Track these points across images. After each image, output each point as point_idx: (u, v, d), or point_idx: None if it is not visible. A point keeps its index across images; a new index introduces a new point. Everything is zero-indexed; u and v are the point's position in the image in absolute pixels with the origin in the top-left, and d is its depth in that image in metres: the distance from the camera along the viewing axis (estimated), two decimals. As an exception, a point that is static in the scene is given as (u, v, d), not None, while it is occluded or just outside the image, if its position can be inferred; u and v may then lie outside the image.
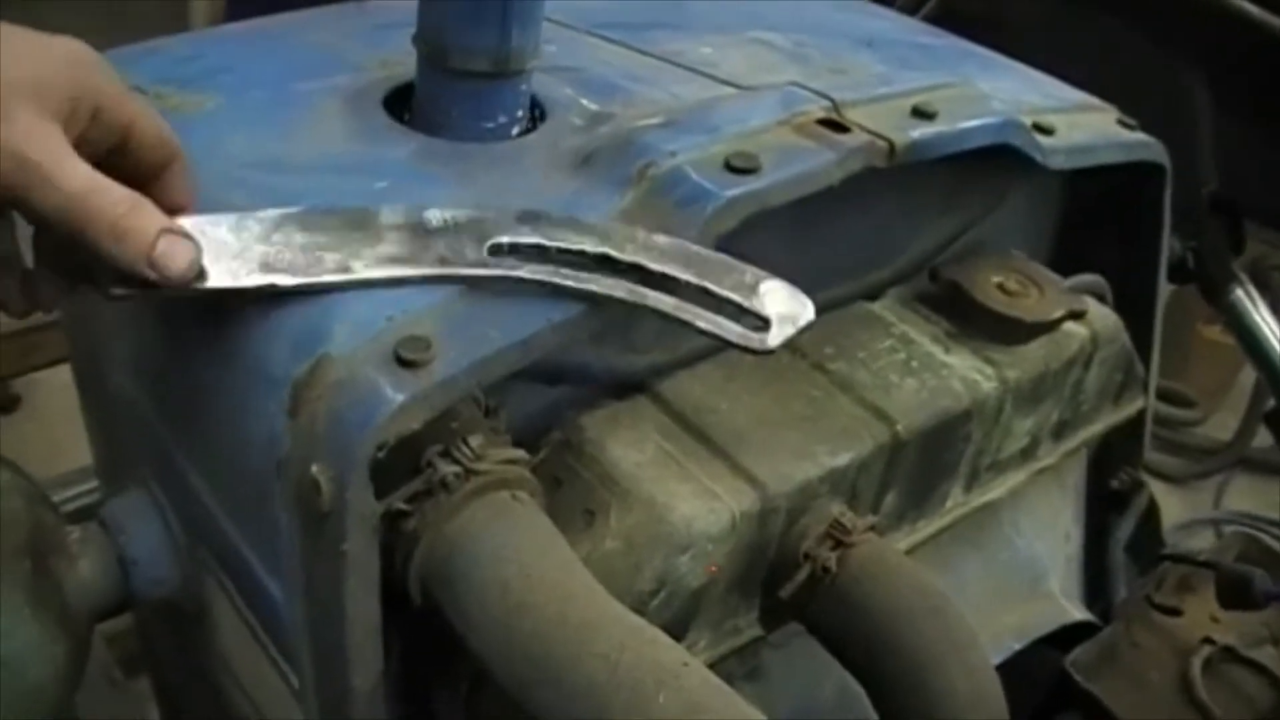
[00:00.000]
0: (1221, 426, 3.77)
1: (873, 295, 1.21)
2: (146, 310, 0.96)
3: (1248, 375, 3.56)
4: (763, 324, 0.85)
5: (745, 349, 0.85)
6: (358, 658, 0.85)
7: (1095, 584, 1.49)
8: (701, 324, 0.85)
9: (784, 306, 0.85)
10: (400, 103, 1.07)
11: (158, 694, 1.55)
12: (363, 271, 0.85)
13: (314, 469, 0.79)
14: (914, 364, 1.12)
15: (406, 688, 0.93)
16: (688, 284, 0.86)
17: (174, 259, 0.80)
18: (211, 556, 1.01)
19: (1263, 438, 3.47)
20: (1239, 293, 1.81)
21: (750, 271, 0.87)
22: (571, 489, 0.95)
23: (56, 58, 0.78)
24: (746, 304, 0.85)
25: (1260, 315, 1.81)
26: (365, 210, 0.88)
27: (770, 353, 0.85)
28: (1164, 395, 3.71)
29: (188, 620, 1.11)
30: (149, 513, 1.07)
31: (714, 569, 0.95)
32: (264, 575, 0.92)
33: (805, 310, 0.86)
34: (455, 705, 0.93)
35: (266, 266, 0.85)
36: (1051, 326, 1.18)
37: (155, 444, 1.04)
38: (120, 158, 0.84)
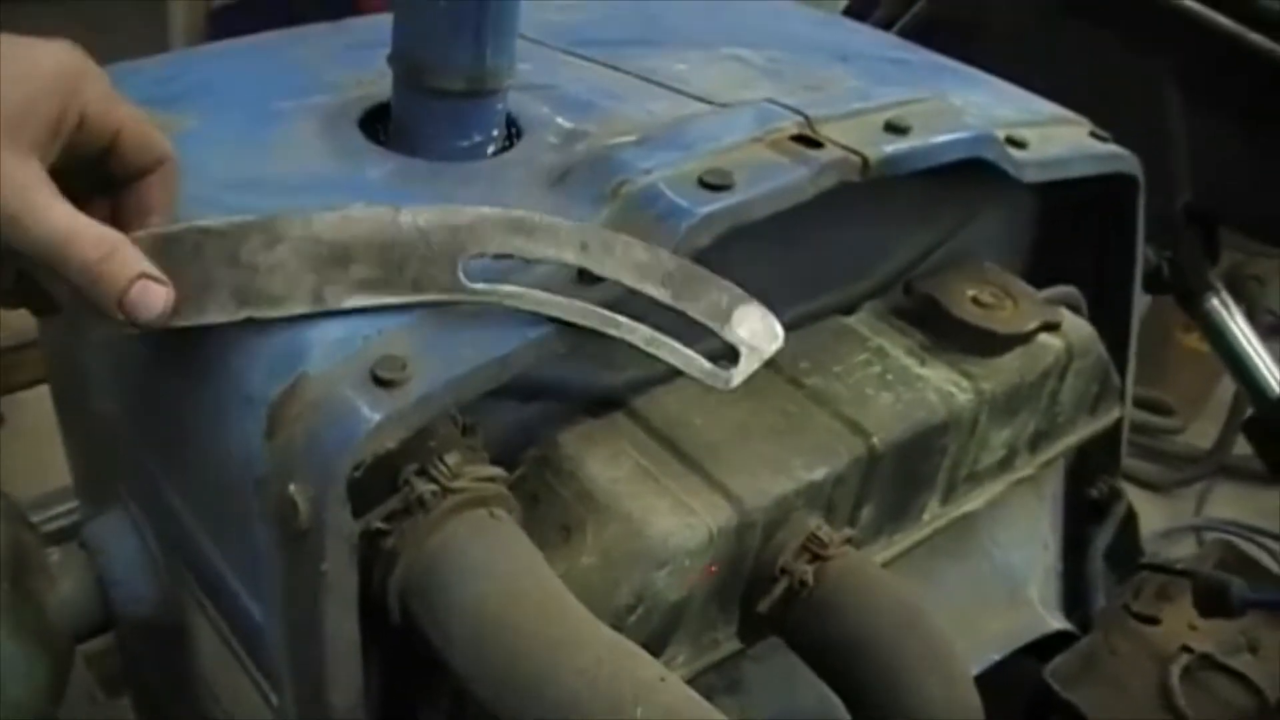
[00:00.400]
0: (1202, 434, 3.79)
1: (849, 309, 1.22)
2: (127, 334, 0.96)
3: (1228, 383, 3.57)
4: (730, 355, 0.86)
5: (708, 386, 0.86)
6: (337, 676, 0.85)
7: (1074, 593, 1.49)
8: (669, 359, 0.86)
9: (754, 335, 0.86)
10: (376, 122, 1.08)
11: (138, 713, 1.55)
12: (336, 302, 0.86)
13: (292, 488, 0.80)
14: (889, 377, 1.12)
15: (387, 706, 0.93)
16: (663, 305, 0.86)
17: (145, 305, 0.81)
18: (191, 576, 1.01)
19: (1243, 445, 3.47)
20: (1214, 301, 1.82)
21: (727, 293, 0.87)
22: (549, 506, 0.96)
23: (42, 75, 0.78)
24: (719, 331, 0.86)
25: (1236, 323, 1.83)
26: (332, 216, 0.87)
27: (732, 391, 0.86)
28: (1145, 403, 3.73)
29: (168, 639, 1.11)
30: (128, 533, 1.07)
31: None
32: (243, 594, 0.92)
33: (774, 340, 0.87)
34: (436, 722, 0.94)
35: (238, 295, 0.85)
36: (1026, 338, 1.19)
37: (134, 464, 1.05)
38: (107, 161, 0.85)
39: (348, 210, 0.87)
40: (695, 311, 0.86)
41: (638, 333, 0.86)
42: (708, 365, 0.86)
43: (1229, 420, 3.60)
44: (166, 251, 0.84)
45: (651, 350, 0.86)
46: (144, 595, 1.06)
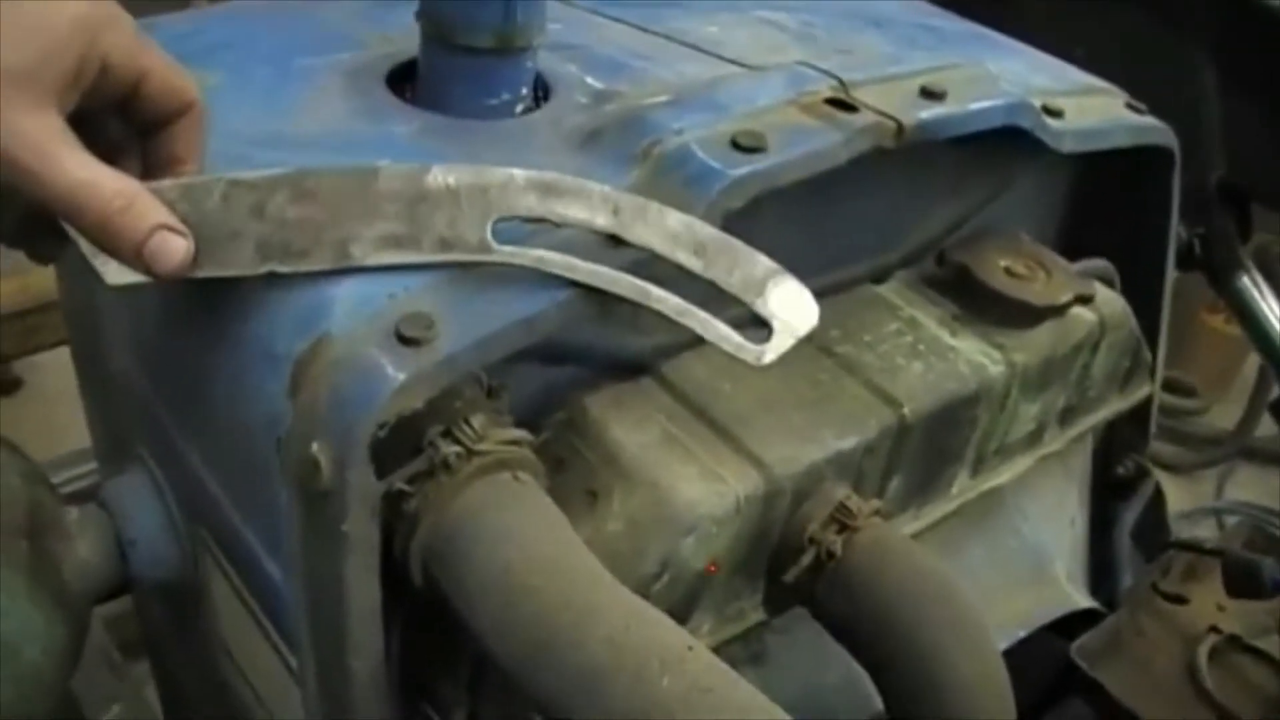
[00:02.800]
0: (1224, 416, 3.77)
1: (880, 278, 1.20)
2: (146, 291, 0.95)
3: (1251, 364, 3.56)
4: (764, 329, 0.84)
5: (742, 360, 0.84)
6: (357, 639, 0.84)
7: (1101, 571, 1.48)
8: (701, 330, 0.84)
9: (789, 310, 0.84)
10: (403, 80, 1.06)
11: (157, 677, 1.54)
12: (361, 258, 0.84)
13: (314, 447, 0.78)
14: (920, 347, 1.11)
15: (408, 671, 0.92)
16: (694, 275, 0.84)
17: (166, 256, 0.81)
18: (211, 537, 1.00)
19: (1265, 427, 3.47)
20: (1245, 280, 1.80)
21: (761, 266, 0.85)
22: (574, 470, 0.94)
23: (61, 24, 0.77)
24: (752, 304, 0.84)
25: (1267, 303, 1.80)
26: (362, 172, 0.86)
27: (765, 368, 0.84)
28: (1166, 384, 3.69)
29: (187, 602, 1.10)
30: (148, 494, 1.06)
31: (713, 569, 0.95)
32: (263, 556, 0.91)
33: (809, 317, 0.85)
34: (457, 689, 0.92)
35: (262, 249, 0.84)
36: (1059, 311, 1.17)
37: (154, 425, 1.04)
38: (132, 107, 0.84)
39: (377, 166, 0.86)
40: (728, 283, 0.84)
41: (668, 302, 0.84)
42: (739, 339, 0.84)
43: (1252, 402, 3.57)
44: (191, 200, 0.83)
45: (682, 320, 0.84)
46: (163, 556, 1.05)
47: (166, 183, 0.83)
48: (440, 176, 0.85)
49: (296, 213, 0.84)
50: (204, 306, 0.90)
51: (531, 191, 0.85)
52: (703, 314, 0.84)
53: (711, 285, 0.84)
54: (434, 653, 0.91)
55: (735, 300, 0.84)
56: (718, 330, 0.84)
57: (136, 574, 1.04)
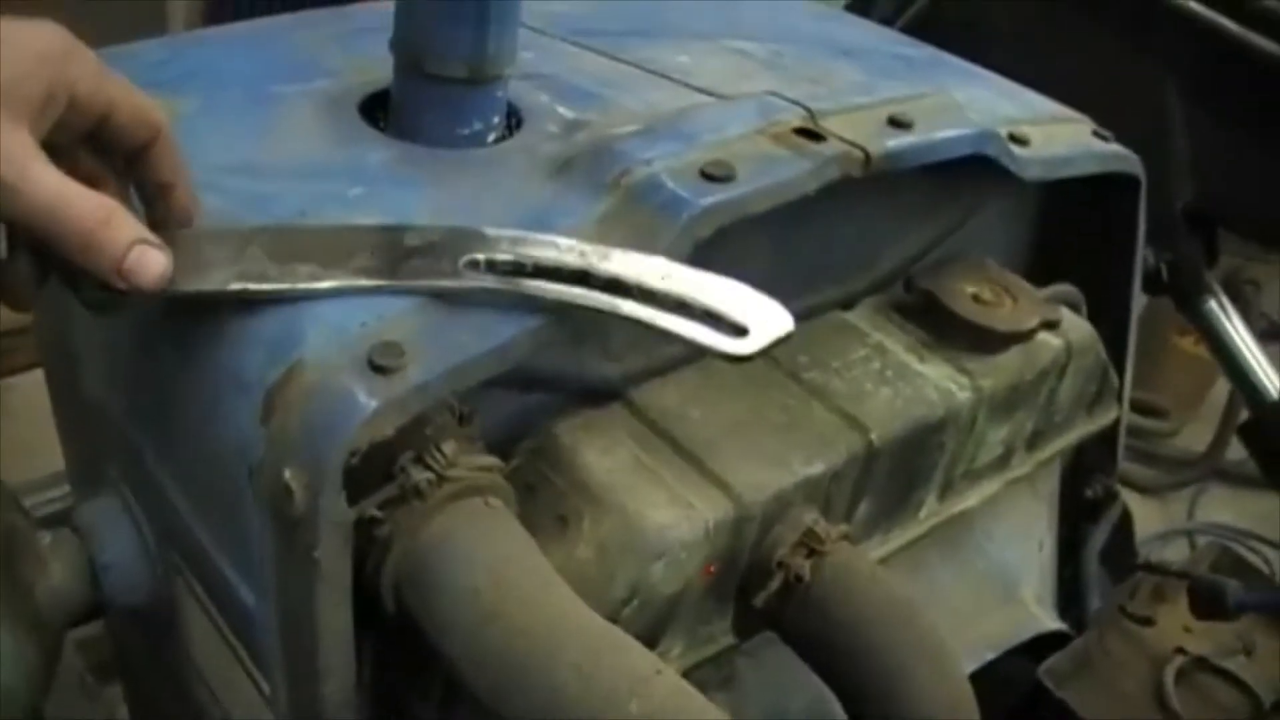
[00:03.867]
0: (1195, 438, 3.78)
1: (849, 304, 1.21)
2: (120, 316, 0.95)
3: (1221, 386, 3.58)
4: (741, 332, 0.84)
5: (723, 355, 0.84)
6: (329, 665, 0.84)
7: (1069, 594, 1.49)
8: (678, 330, 0.84)
9: (763, 315, 0.85)
10: (376, 108, 1.07)
11: (129, 700, 1.54)
12: (336, 281, 0.85)
13: (286, 474, 0.79)
14: (889, 373, 1.12)
15: (380, 697, 0.92)
16: (665, 296, 0.85)
17: (145, 270, 0.81)
18: (184, 562, 1.00)
19: (1236, 449, 3.48)
20: (1212, 304, 1.82)
21: (729, 285, 0.86)
22: (545, 496, 0.95)
23: (29, 54, 0.77)
24: (726, 315, 0.85)
25: (1233, 326, 1.82)
26: (341, 228, 0.88)
27: (748, 359, 0.84)
28: (1138, 406, 3.72)
29: (160, 626, 1.10)
30: (121, 518, 1.06)
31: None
32: (236, 581, 0.91)
33: (784, 321, 0.86)
34: (429, 714, 0.93)
35: (241, 276, 0.85)
36: (1026, 336, 1.18)
37: (128, 449, 1.04)
38: (101, 137, 0.84)
39: (355, 225, 0.88)
40: (698, 300, 0.85)
41: (641, 312, 0.85)
42: (719, 336, 0.84)
43: (1223, 424, 3.59)
44: (175, 244, 0.84)
45: (659, 325, 0.84)
46: (136, 581, 1.05)
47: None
48: (416, 236, 0.87)
49: (274, 249, 0.86)
50: (177, 333, 0.91)
51: (502, 240, 0.86)
52: (677, 318, 0.85)
53: (681, 304, 0.85)
54: (406, 678, 0.92)
55: (705, 316, 0.85)
56: (696, 329, 0.84)
57: (109, 598, 1.04)
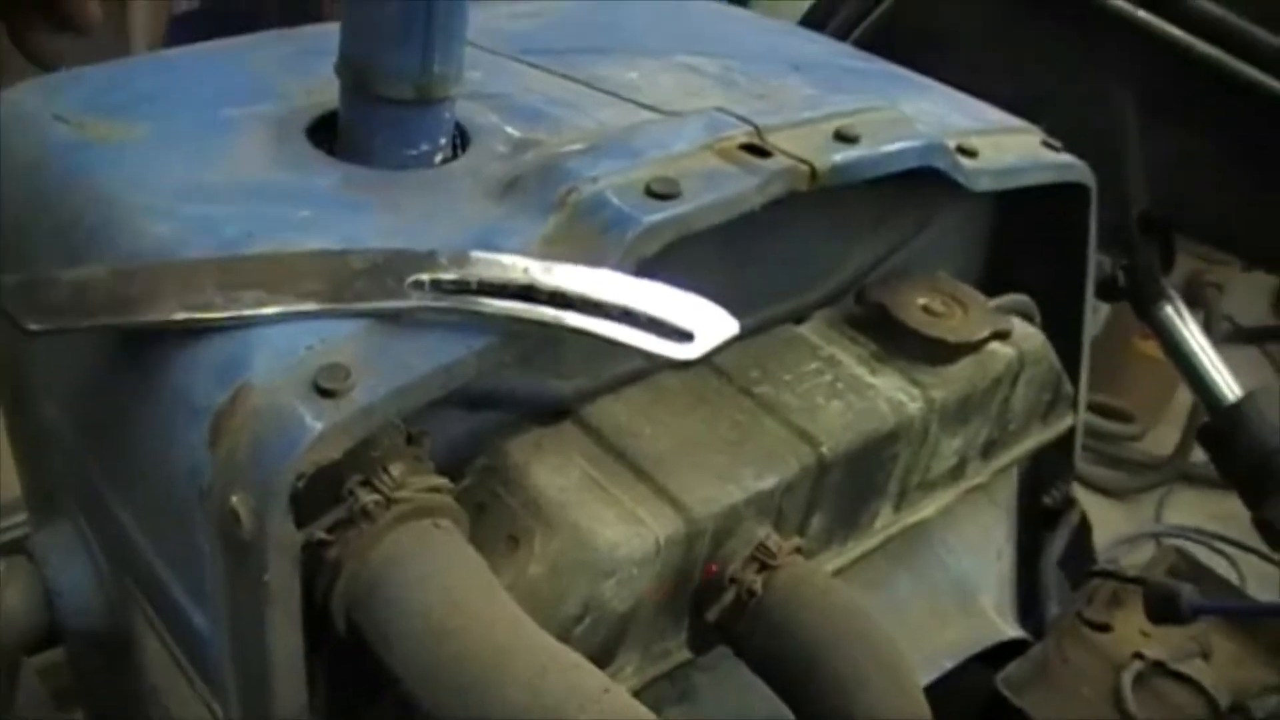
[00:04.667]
0: (1161, 441, 3.81)
1: (801, 317, 1.22)
2: (72, 341, 0.96)
3: (1186, 390, 3.60)
4: (686, 337, 0.85)
5: (668, 360, 0.85)
6: (282, 688, 0.85)
7: (1028, 601, 1.50)
8: (624, 339, 0.85)
9: (708, 320, 0.86)
10: (325, 131, 1.07)
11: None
12: (282, 306, 0.85)
13: (234, 499, 0.79)
14: (840, 386, 1.12)
15: (333, 718, 0.93)
16: (610, 306, 0.86)
17: None
18: (137, 588, 1.00)
19: (1202, 451, 3.51)
20: (1169, 309, 1.83)
21: (672, 292, 0.87)
22: (495, 515, 0.95)
23: None
24: (669, 321, 0.85)
25: (1190, 331, 1.83)
26: (286, 254, 0.89)
27: (693, 363, 0.85)
28: (1104, 410, 3.74)
29: (116, 651, 1.10)
30: (75, 544, 1.06)
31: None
32: (188, 606, 0.91)
33: (728, 325, 0.86)
34: (383, 735, 0.93)
35: (186, 307, 0.85)
36: (976, 347, 1.19)
37: (80, 475, 1.04)
38: None
39: (299, 251, 0.88)
40: (643, 309, 0.85)
41: (585, 322, 0.85)
42: (665, 341, 0.85)
43: (1188, 427, 3.63)
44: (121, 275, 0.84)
45: (605, 334, 0.85)
46: (90, 607, 1.05)
47: (99, 270, 0.84)
48: (360, 259, 0.87)
49: (220, 279, 0.86)
50: (127, 358, 0.91)
51: (447, 260, 0.87)
52: (622, 326, 0.85)
53: (626, 314, 0.85)
54: (358, 699, 0.92)
55: (651, 324, 0.85)
56: (643, 338, 0.85)
57: (64, 624, 1.04)
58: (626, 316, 0.86)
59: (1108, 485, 3.58)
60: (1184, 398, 3.68)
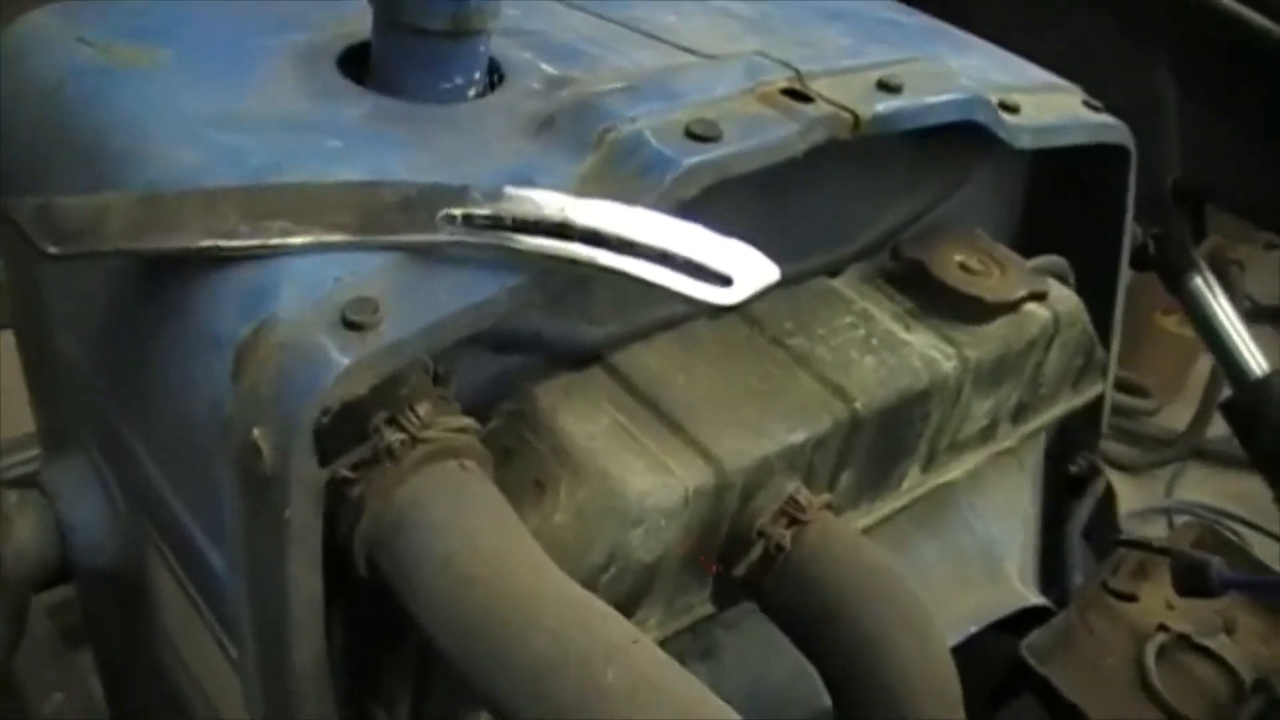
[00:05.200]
0: (1176, 417, 3.79)
1: (835, 272, 1.19)
2: (91, 271, 0.93)
3: (1203, 366, 3.58)
4: (725, 282, 0.82)
5: (706, 305, 0.83)
6: (299, 630, 0.82)
7: (1051, 570, 1.48)
8: (660, 281, 0.82)
9: (747, 264, 0.83)
10: (355, 62, 1.05)
11: (99, 666, 1.52)
12: (309, 236, 0.83)
13: (256, 433, 0.77)
14: (874, 341, 1.10)
15: (351, 667, 0.91)
16: (647, 248, 0.83)
17: None
18: (152, 526, 0.98)
19: (1216, 428, 3.49)
20: (1198, 281, 1.80)
21: (711, 235, 0.84)
22: (522, 460, 0.93)
23: None
24: (708, 265, 0.83)
25: (1219, 304, 1.80)
26: (315, 184, 0.86)
27: (731, 309, 0.82)
28: (1119, 384, 3.71)
29: (128, 591, 1.08)
30: (89, 479, 1.04)
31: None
32: (204, 544, 0.89)
33: (769, 270, 0.84)
34: (401, 683, 0.91)
35: (210, 233, 0.83)
36: (1013, 307, 1.17)
37: (97, 409, 1.02)
38: None
39: (330, 181, 0.86)
40: (680, 251, 0.83)
41: (621, 262, 0.83)
42: (705, 285, 0.82)
43: (1203, 403, 3.60)
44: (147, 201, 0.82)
45: (640, 275, 0.82)
46: (103, 543, 1.03)
47: (121, 195, 0.82)
48: (392, 191, 0.85)
49: (246, 208, 0.83)
50: (149, 288, 0.89)
51: (480, 195, 0.84)
52: (658, 268, 0.83)
53: (663, 256, 0.83)
54: (378, 645, 0.90)
55: (688, 266, 0.83)
56: (677, 279, 0.82)
57: (76, 561, 1.03)
58: (663, 259, 0.84)
59: (1121, 459, 3.55)
60: (1200, 374, 3.66)
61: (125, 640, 1.24)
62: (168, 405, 0.90)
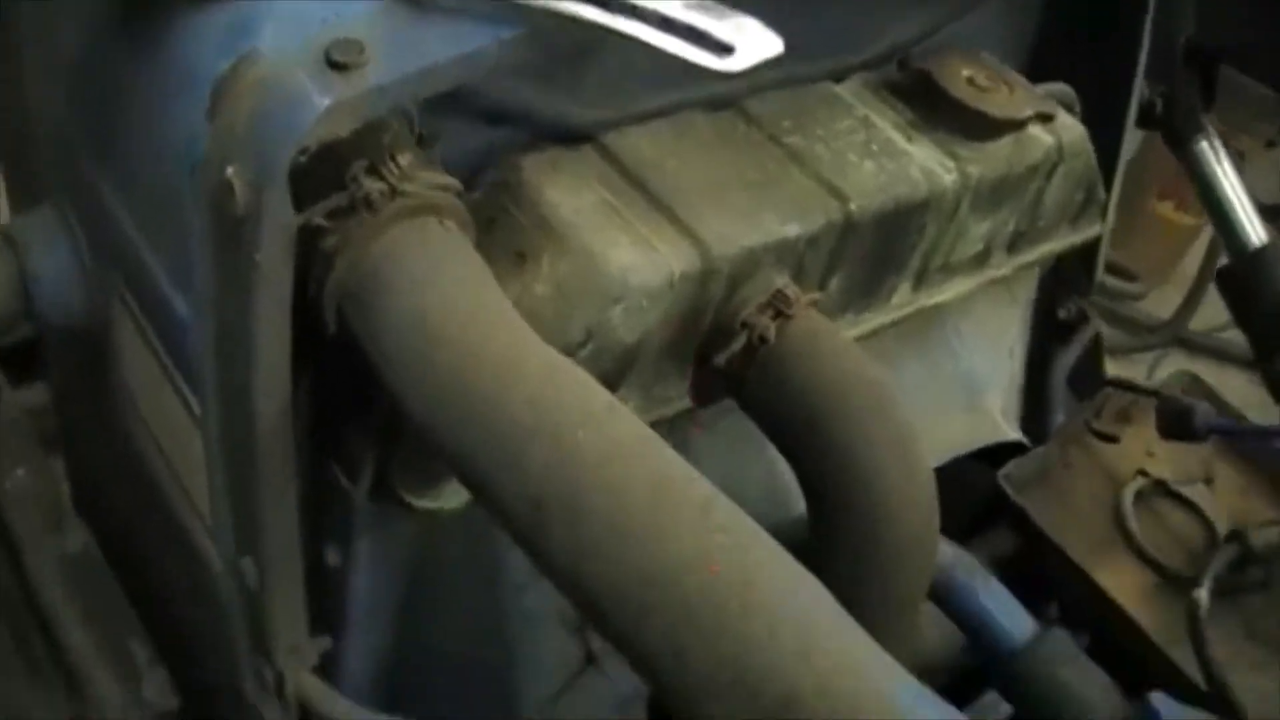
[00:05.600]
0: (1162, 304, 3.77)
1: (840, 78, 1.15)
2: (69, 14, 0.89)
3: (1193, 256, 3.56)
4: (727, 50, 0.79)
5: (709, 71, 0.79)
6: (263, 381, 0.80)
7: (1033, 412, 1.46)
8: (660, 44, 0.78)
9: (750, 37, 0.79)
10: None
11: (65, 440, 1.50)
12: None
13: (230, 171, 0.74)
14: (874, 147, 1.07)
15: (315, 429, 0.88)
16: (648, 11, 0.79)
17: None
18: (120, 277, 0.95)
19: (1200, 319, 3.48)
20: (1204, 145, 1.77)
21: (715, 5, 0.81)
22: (504, 230, 0.90)
23: None
24: (710, 32, 0.79)
25: (1223, 170, 1.77)
26: None
27: (735, 76, 0.79)
28: (1108, 266, 3.69)
29: (93, 352, 1.06)
30: (58, 231, 1.02)
31: None
32: (171, 292, 0.87)
33: (772, 42, 0.80)
34: (366, 445, 0.88)
35: None
36: (1018, 125, 1.14)
37: (69, 156, 0.99)
38: None
39: None
40: (685, 15, 0.79)
41: (624, 24, 0.79)
42: (707, 53, 0.79)
43: (1191, 292, 3.58)
44: None
45: (639, 37, 0.78)
46: (68, 296, 1.01)
47: None
48: None
49: None
50: (127, 28, 0.86)
51: None
52: (659, 32, 0.79)
53: (668, 22, 0.79)
54: (344, 405, 0.88)
55: (693, 33, 0.79)
56: (678, 44, 0.79)
57: (41, 314, 1.00)
58: (665, 24, 0.80)
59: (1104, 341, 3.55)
60: (1191, 264, 3.63)
61: (88, 405, 1.21)
62: (142, 146, 0.87)
